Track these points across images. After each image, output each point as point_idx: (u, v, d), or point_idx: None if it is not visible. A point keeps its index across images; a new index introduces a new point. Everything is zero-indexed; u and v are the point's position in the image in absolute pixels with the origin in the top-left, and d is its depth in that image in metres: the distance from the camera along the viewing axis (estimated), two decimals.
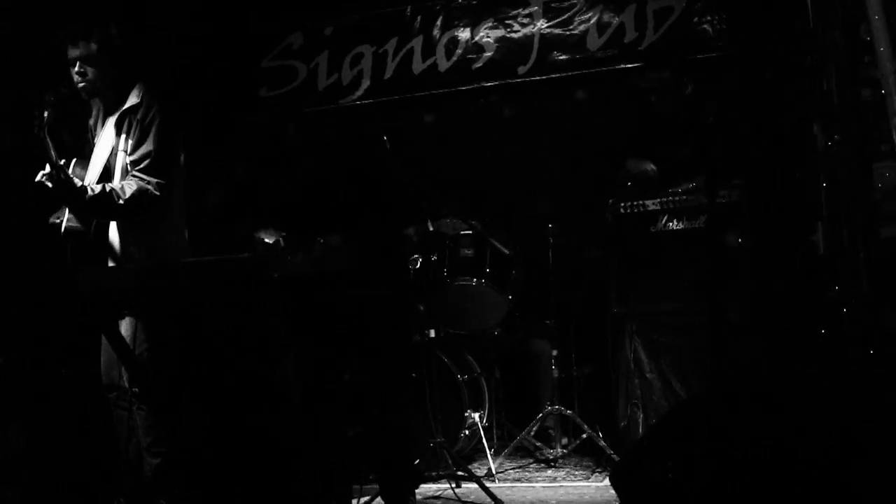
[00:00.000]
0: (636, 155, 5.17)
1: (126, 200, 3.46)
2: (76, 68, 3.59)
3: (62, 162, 3.38)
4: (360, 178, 3.77)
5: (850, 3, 3.77)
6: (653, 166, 5.02)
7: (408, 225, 4.25)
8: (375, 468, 3.89)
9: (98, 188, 3.46)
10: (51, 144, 3.31)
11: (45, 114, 3.34)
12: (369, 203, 3.60)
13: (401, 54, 5.64)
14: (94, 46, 3.58)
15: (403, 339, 3.58)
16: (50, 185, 3.37)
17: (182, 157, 3.75)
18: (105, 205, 3.46)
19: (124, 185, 3.49)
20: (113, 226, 3.62)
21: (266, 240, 3.91)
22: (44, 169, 3.40)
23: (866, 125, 3.77)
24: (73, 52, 3.59)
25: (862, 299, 3.58)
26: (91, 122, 3.84)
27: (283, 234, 3.64)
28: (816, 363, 3.27)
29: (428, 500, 4.25)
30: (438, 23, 5.61)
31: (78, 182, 3.44)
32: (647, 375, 4.63)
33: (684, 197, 4.72)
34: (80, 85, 3.62)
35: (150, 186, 3.51)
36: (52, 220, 3.64)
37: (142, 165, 3.53)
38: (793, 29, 4.32)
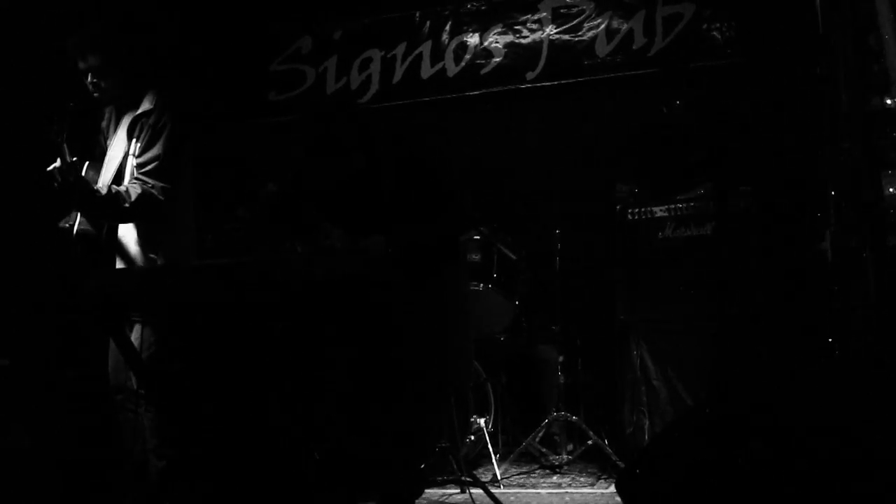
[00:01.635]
0: (640, 160, 5.18)
1: (132, 203, 3.47)
2: (89, 79, 3.61)
3: (74, 159, 3.39)
4: (391, 178, 3.74)
5: (861, 11, 3.77)
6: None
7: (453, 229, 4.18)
8: (379, 472, 3.89)
9: (106, 190, 3.47)
10: (67, 152, 3.33)
11: (65, 121, 3.35)
12: (398, 205, 3.58)
13: (409, 59, 5.65)
14: (103, 58, 3.59)
15: (416, 344, 3.56)
16: (59, 178, 3.37)
17: (190, 163, 3.76)
18: (112, 207, 3.47)
19: (129, 188, 3.50)
20: (123, 229, 3.63)
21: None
22: (55, 163, 3.40)
23: (875, 133, 3.77)
24: (83, 65, 3.60)
25: (870, 307, 3.57)
26: (103, 124, 3.85)
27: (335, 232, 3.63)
28: (824, 371, 3.25)
29: None
30: (447, 28, 5.61)
31: (87, 180, 3.46)
32: (654, 382, 4.62)
33: (692, 204, 4.72)
34: (95, 95, 3.64)
35: (154, 190, 3.52)
36: (61, 224, 3.64)
37: (147, 169, 3.54)
38: (802, 36, 4.31)
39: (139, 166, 3.55)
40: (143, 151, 3.58)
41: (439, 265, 3.63)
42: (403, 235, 3.50)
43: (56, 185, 3.39)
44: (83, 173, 3.50)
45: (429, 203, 3.56)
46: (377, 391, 3.55)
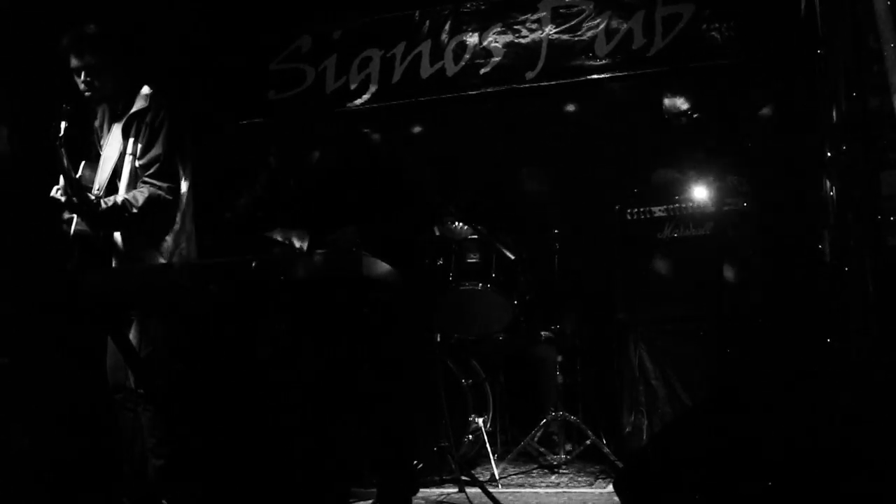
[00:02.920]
0: (644, 161, 5.18)
1: (139, 208, 3.48)
2: (81, 77, 3.60)
3: (78, 175, 3.39)
4: (375, 178, 3.75)
5: (860, 12, 3.77)
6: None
7: (424, 227, 4.19)
8: (375, 471, 3.90)
9: (111, 200, 3.47)
10: (65, 155, 3.32)
11: (62, 125, 3.34)
12: (384, 204, 3.59)
13: (409, 59, 5.65)
14: (97, 56, 3.58)
15: (408, 343, 3.57)
16: (63, 199, 3.39)
17: (189, 161, 3.76)
18: (119, 216, 3.48)
19: (136, 194, 3.51)
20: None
21: (277, 238, 3.91)
22: (57, 182, 3.41)
23: (874, 134, 3.77)
24: (76, 62, 3.59)
25: (868, 308, 3.57)
26: (96, 123, 3.85)
27: (295, 232, 3.63)
28: (822, 371, 3.26)
29: None
30: (447, 27, 5.61)
31: (92, 196, 3.46)
32: (652, 382, 4.62)
33: (691, 204, 4.72)
34: (87, 94, 3.63)
35: (161, 192, 3.53)
36: (66, 216, 3.65)
37: (152, 170, 3.55)
38: (801, 36, 4.31)
39: (143, 168, 3.56)
40: (144, 152, 3.58)
41: (414, 260, 3.65)
42: (377, 231, 3.51)
43: (62, 202, 3.40)
44: (79, 173, 3.50)
45: (396, 200, 3.57)
46: (366, 389, 3.56)
